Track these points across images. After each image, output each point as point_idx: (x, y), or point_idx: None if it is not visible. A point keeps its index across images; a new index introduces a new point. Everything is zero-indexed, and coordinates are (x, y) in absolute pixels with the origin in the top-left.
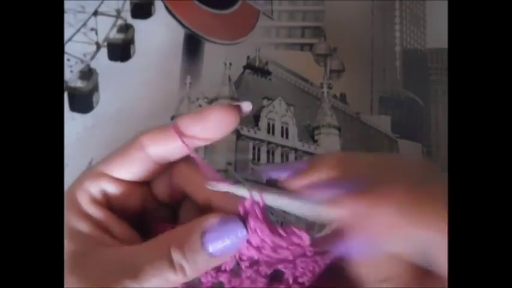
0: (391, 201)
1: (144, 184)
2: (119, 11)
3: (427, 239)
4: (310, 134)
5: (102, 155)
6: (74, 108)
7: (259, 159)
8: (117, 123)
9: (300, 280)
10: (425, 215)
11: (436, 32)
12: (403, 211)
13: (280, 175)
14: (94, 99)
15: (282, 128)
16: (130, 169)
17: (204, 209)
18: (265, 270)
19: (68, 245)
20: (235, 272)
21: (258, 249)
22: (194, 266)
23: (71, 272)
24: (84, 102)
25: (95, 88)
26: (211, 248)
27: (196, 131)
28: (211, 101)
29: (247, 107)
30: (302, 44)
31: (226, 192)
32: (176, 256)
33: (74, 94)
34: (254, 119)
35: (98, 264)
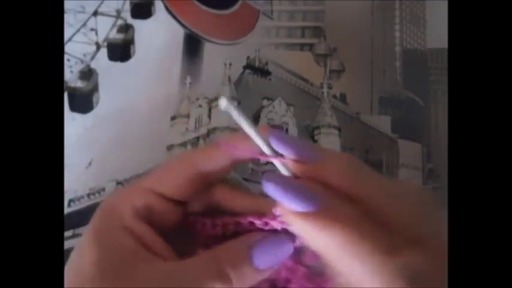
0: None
1: (181, 204)
2: (119, 11)
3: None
4: (310, 134)
5: (102, 155)
6: (74, 108)
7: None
8: (117, 123)
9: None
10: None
11: (436, 32)
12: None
13: (289, 153)
14: (94, 99)
15: (282, 128)
16: (177, 184)
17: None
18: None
19: (104, 257)
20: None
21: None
22: (242, 279)
23: (108, 284)
24: (84, 102)
25: (95, 88)
26: (259, 262)
27: (245, 151)
28: (211, 101)
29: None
30: (302, 44)
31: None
32: (227, 271)
33: (74, 94)
34: (254, 119)
35: (144, 279)
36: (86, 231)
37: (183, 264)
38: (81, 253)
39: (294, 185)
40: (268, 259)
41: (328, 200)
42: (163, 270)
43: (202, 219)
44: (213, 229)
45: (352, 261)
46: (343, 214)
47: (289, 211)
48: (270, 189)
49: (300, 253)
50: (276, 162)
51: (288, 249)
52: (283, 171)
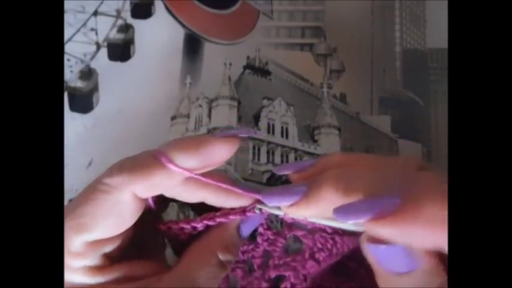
0: (432, 215)
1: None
2: (119, 11)
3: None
4: (310, 134)
5: (102, 155)
6: (74, 108)
7: (259, 159)
8: (117, 123)
9: (317, 256)
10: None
11: (436, 32)
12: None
13: (281, 203)
14: (94, 99)
15: (282, 128)
16: (123, 223)
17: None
18: (285, 232)
19: None
20: (248, 268)
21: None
22: (237, 254)
23: None
24: (84, 102)
25: (95, 88)
26: (245, 232)
27: (192, 163)
28: (211, 101)
29: (245, 133)
30: (302, 44)
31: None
32: (224, 256)
33: (74, 94)
34: (254, 119)
35: None
36: None
37: (183, 265)
38: None
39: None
40: (251, 227)
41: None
42: (170, 281)
43: (172, 225)
44: (182, 232)
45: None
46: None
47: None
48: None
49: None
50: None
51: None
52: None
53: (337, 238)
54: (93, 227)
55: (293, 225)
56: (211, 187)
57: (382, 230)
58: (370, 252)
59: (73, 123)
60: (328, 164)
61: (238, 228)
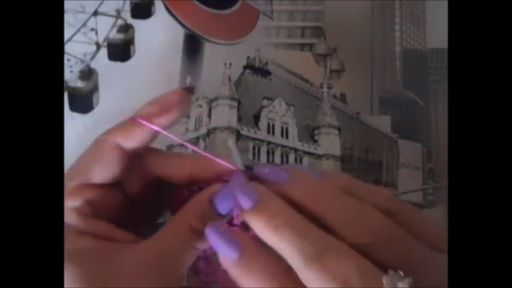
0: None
1: (115, 186)
2: (119, 11)
3: None
4: (310, 134)
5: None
6: (74, 108)
7: (259, 159)
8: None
9: None
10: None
11: (436, 32)
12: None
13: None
14: (94, 99)
15: (282, 128)
16: (108, 170)
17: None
18: None
19: (78, 268)
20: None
21: None
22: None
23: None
24: (84, 102)
25: (95, 88)
26: (221, 208)
27: (155, 114)
28: (211, 101)
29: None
30: (302, 44)
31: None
32: (197, 226)
33: (74, 94)
34: (254, 119)
35: (126, 269)
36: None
37: (159, 236)
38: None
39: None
40: (228, 204)
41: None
42: (143, 250)
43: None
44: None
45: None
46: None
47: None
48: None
49: None
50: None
51: (246, 187)
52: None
53: None
54: (83, 171)
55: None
56: (192, 158)
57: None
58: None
59: (73, 123)
60: (287, 194)
61: (212, 200)
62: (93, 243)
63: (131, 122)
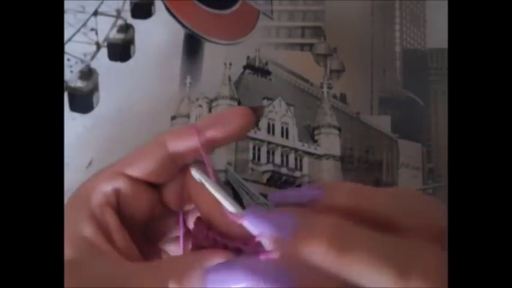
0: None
1: (155, 189)
2: (119, 11)
3: None
4: (310, 134)
5: (102, 155)
6: (74, 108)
7: (259, 159)
8: (117, 123)
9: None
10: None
11: (436, 32)
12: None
13: (262, 233)
14: (94, 99)
15: (282, 128)
16: (147, 165)
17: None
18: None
19: (65, 251)
20: None
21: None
22: None
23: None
24: (84, 102)
25: (95, 88)
26: (212, 285)
27: (215, 131)
28: (211, 101)
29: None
30: (302, 44)
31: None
32: (172, 287)
33: (74, 94)
34: None
35: (93, 277)
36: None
37: (135, 269)
38: None
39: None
40: (222, 285)
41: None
42: (115, 269)
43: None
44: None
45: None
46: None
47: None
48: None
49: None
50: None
51: (243, 278)
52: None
53: None
54: (128, 160)
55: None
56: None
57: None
58: None
59: (73, 123)
60: (334, 205)
61: (206, 272)
62: (92, 234)
63: (187, 128)
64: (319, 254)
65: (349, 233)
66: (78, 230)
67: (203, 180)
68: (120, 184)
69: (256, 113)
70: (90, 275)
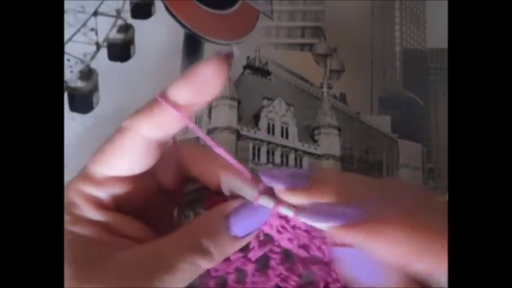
0: (394, 233)
1: (147, 174)
2: (119, 11)
3: (427, 271)
4: (310, 134)
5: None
6: (74, 108)
7: (259, 159)
8: (117, 123)
9: (331, 287)
10: (427, 248)
11: (436, 32)
12: (404, 242)
13: (278, 185)
14: (94, 99)
15: (282, 128)
16: (133, 163)
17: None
18: (299, 269)
19: (70, 255)
20: (263, 265)
21: (291, 240)
22: (221, 250)
23: (85, 282)
24: (84, 102)
25: (95, 88)
26: (237, 230)
27: (189, 96)
28: (211, 101)
29: (235, 50)
30: (302, 44)
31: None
32: (205, 243)
33: (74, 94)
34: (254, 119)
35: (120, 266)
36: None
37: (160, 242)
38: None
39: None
40: (246, 226)
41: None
42: (140, 253)
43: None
44: None
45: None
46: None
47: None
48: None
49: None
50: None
51: (264, 214)
52: (268, 204)
53: None
54: (108, 162)
55: (308, 259)
56: (222, 166)
57: (349, 237)
58: (342, 258)
59: (73, 123)
60: (330, 186)
61: (226, 218)
62: (97, 235)
63: (157, 107)
64: (330, 196)
65: (354, 185)
66: (83, 238)
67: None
68: (114, 189)
69: (228, 57)
70: (111, 267)
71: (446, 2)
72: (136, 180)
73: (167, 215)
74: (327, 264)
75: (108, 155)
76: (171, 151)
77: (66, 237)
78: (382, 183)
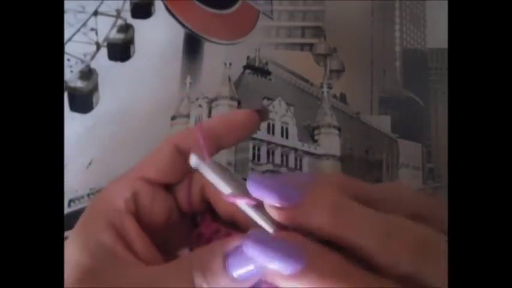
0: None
1: (171, 194)
2: (119, 11)
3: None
4: (310, 134)
5: (102, 155)
6: (74, 108)
7: (259, 159)
8: (117, 123)
9: None
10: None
11: (436, 32)
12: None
13: (267, 198)
14: (94, 99)
15: (282, 128)
16: (160, 165)
17: (227, 221)
18: None
19: (82, 258)
20: None
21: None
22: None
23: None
24: (84, 102)
25: (95, 88)
26: (235, 272)
27: (220, 130)
28: (211, 101)
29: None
30: (302, 44)
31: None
32: (198, 280)
33: (74, 94)
34: None
35: (116, 283)
36: (74, 228)
37: (156, 270)
38: (66, 252)
39: (276, 245)
40: (245, 270)
41: (314, 255)
42: (136, 275)
43: (209, 223)
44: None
45: None
46: (330, 269)
47: (275, 274)
48: (250, 249)
49: None
50: (250, 209)
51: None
52: (258, 219)
53: None
54: (142, 163)
55: None
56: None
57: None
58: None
59: (73, 123)
60: (321, 222)
61: (226, 257)
62: (112, 242)
63: (195, 128)
64: (322, 222)
65: (348, 208)
66: (97, 238)
67: (201, 166)
68: (138, 188)
69: (262, 115)
70: (112, 283)
71: (446, 2)
72: (162, 190)
73: (181, 240)
74: None
75: (145, 158)
76: (190, 179)
77: (80, 239)
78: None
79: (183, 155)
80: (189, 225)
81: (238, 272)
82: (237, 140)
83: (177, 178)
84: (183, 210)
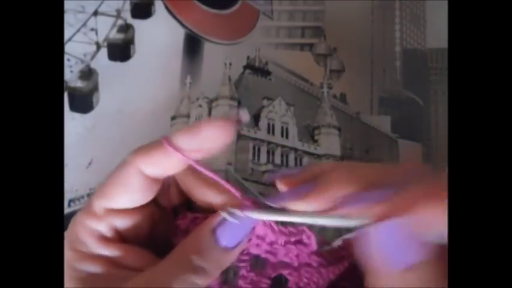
0: (417, 207)
1: (148, 203)
2: (119, 11)
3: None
4: (310, 134)
5: (102, 155)
6: (74, 108)
7: (259, 159)
8: (117, 123)
9: None
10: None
11: (436, 32)
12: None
13: (285, 202)
14: (94, 99)
15: (282, 128)
16: (132, 196)
17: (205, 209)
18: (269, 272)
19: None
20: (229, 280)
21: (266, 244)
22: (215, 264)
23: None
24: (84, 102)
25: (95, 88)
26: (225, 241)
27: (192, 145)
28: (211, 101)
29: (244, 116)
30: (302, 44)
31: (229, 200)
32: (196, 260)
33: (74, 94)
34: (254, 119)
35: None
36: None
37: (156, 269)
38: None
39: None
40: (234, 236)
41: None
42: (141, 281)
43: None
44: None
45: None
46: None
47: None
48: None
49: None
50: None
51: (251, 221)
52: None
53: (323, 270)
54: (108, 195)
55: (277, 264)
56: (202, 178)
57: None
58: (375, 242)
59: (73, 123)
60: (322, 169)
61: (213, 232)
62: (102, 269)
63: (159, 147)
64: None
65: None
66: (83, 270)
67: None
68: (112, 220)
69: (238, 124)
70: None
71: (446, 2)
72: (139, 210)
73: (167, 232)
74: (296, 269)
75: (109, 188)
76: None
77: (72, 274)
78: (387, 168)
79: (153, 180)
80: (172, 216)
81: (227, 240)
82: (209, 154)
83: (151, 197)
84: (162, 206)
